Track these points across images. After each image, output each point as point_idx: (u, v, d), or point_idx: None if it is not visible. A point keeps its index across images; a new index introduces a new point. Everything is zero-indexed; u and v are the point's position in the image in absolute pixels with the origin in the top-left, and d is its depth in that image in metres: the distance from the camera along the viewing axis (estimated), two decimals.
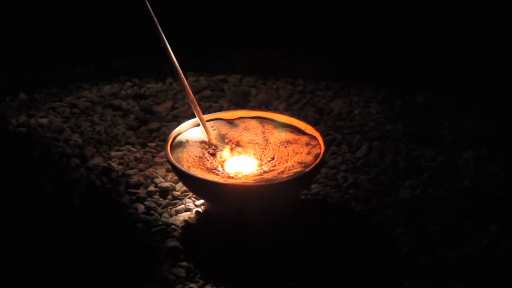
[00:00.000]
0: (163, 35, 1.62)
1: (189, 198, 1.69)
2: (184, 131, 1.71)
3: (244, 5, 2.49)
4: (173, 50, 1.65)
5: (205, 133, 1.69)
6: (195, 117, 1.74)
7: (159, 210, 1.64)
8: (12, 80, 2.24)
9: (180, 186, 1.72)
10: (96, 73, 2.34)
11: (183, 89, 1.68)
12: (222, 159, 1.67)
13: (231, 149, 1.70)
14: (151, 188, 1.72)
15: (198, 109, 1.69)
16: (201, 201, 1.67)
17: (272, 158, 1.67)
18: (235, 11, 2.50)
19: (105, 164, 1.79)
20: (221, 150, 1.69)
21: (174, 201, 1.69)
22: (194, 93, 2.23)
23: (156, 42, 1.63)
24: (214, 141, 1.69)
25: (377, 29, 2.45)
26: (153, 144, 1.92)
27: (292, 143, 1.68)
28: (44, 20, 2.36)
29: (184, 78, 1.68)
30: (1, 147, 1.82)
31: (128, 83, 2.29)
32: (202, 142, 1.69)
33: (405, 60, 2.38)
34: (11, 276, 1.39)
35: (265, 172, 1.61)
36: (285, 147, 1.68)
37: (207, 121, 1.75)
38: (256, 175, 1.60)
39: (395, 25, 2.44)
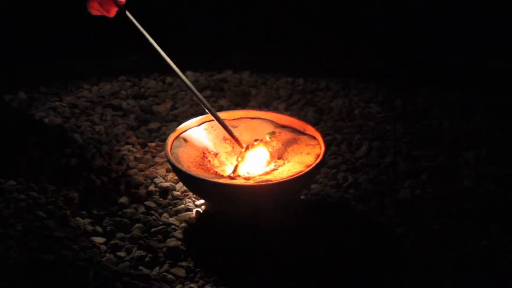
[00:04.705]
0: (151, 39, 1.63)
1: (189, 198, 1.69)
2: (184, 131, 1.71)
3: (244, 5, 2.49)
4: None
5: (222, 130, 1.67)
6: (195, 117, 1.75)
7: (159, 210, 1.64)
8: (12, 79, 2.24)
9: (180, 186, 1.72)
10: (96, 73, 2.34)
11: (188, 89, 1.66)
12: (222, 159, 1.67)
13: (231, 149, 1.70)
14: (151, 188, 1.72)
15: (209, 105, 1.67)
16: (201, 201, 1.67)
17: (272, 158, 1.67)
18: (235, 11, 2.50)
19: (105, 164, 1.79)
20: (221, 150, 1.68)
21: (174, 201, 1.68)
22: None
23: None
24: (232, 136, 1.66)
25: (377, 29, 2.45)
26: (153, 144, 1.92)
27: (292, 143, 1.68)
28: (44, 19, 2.37)
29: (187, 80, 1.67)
30: (0, 147, 1.82)
31: (128, 83, 2.29)
32: (202, 142, 1.69)
33: (405, 60, 2.38)
34: None
35: (265, 172, 1.61)
36: (285, 147, 1.68)
37: (207, 121, 1.75)
38: (256, 175, 1.60)
39: (395, 25, 2.44)
